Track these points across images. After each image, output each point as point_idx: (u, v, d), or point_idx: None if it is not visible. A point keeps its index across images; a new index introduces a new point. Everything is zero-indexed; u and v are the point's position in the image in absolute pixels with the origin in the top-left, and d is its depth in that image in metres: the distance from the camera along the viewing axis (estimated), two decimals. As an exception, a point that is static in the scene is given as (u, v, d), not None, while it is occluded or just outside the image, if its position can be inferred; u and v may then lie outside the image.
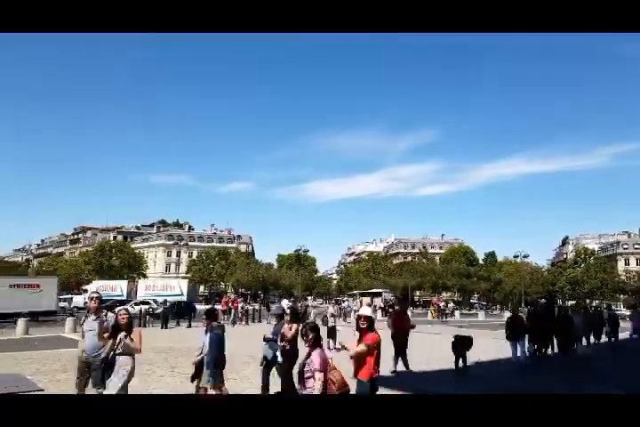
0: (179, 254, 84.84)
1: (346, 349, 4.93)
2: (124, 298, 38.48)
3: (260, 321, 27.83)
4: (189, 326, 23.43)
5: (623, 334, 19.79)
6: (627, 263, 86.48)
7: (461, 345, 10.43)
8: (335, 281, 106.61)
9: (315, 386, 3.97)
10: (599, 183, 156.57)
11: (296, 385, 4.44)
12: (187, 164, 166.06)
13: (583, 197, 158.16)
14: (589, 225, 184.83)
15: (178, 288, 42.25)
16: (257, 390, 8.15)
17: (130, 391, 7.92)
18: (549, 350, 12.65)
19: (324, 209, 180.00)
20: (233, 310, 25.94)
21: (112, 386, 5.91)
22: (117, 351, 6.22)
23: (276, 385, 8.73)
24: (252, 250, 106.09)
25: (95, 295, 6.85)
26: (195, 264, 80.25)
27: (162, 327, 22.23)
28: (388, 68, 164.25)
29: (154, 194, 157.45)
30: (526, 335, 11.55)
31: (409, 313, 13.51)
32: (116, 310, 6.83)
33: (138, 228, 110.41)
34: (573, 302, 66.41)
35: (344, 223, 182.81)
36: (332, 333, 14.41)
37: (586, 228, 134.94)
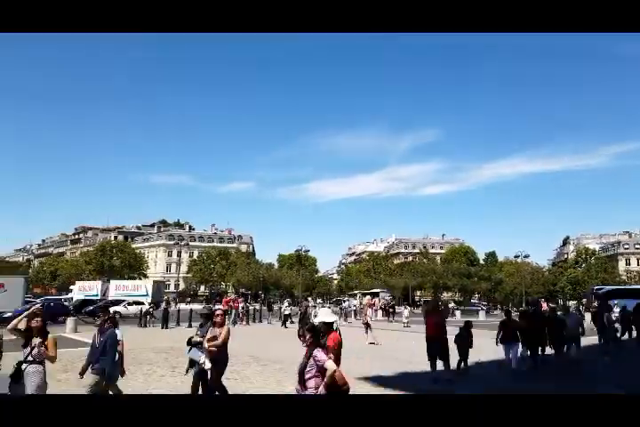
0: (179, 254, 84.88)
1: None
2: (99, 298, 39.14)
3: (260, 321, 27.84)
4: (190, 325, 23.45)
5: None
6: (628, 263, 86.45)
7: (464, 343, 10.25)
8: (336, 281, 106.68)
9: (327, 374, 3.97)
10: (600, 183, 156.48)
11: (296, 386, 4.43)
12: (187, 164, 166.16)
13: (584, 196, 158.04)
14: (590, 225, 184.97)
15: (144, 289, 43.08)
16: (258, 391, 8.17)
17: (130, 391, 7.95)
18: (539, 352, 12.46)
19: (324, 209, 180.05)
20: (234, 311, 25.95)
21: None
22: (28, 359, 5.57)
23: (280, 387, 8.75)
24: (253, 250, 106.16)
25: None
26: (195, 264, 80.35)
27: (162, 327, 22.25)
28: (387, 68, 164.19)
29: (154, 194, 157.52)
30: (520, 340, 10.84)
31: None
32: (31, 310, 6.21)
33: (138, 228, 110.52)
34: (574, 302, 66.42)
35: (345, 223, 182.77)
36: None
37: (587, 228, 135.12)
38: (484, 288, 74.11)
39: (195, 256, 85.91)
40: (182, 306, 39.72)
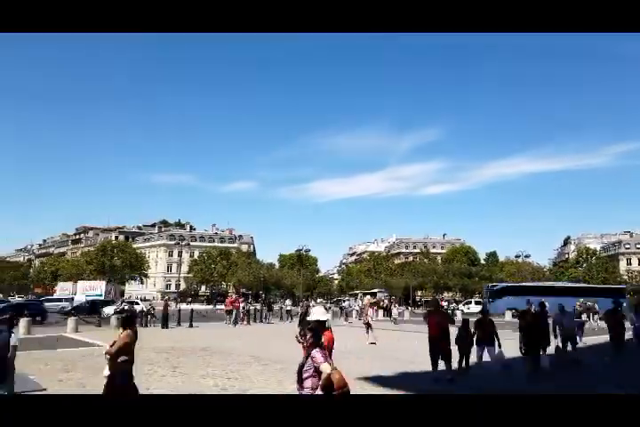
0: (180, 254, 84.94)
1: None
2: (71, 297, 41.23)
3: (261, 321, 27.86)
4: (190, 325, 23.48)
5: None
6: (629, 263, 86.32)
7: (464, 343, 10.15)
8: (337, 281, 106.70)
9: (322, 377, 3.97)
10: (601, 183, 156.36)
11: (296, 385, 4.44)
12: (188, 164, 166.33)
13: (585, 196, 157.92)
14: (591, 225, 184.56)
15: (99, 289, 46.27)
16: (259, 391, 8.17)
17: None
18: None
19: (325, 209, 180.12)
20: (235, 311, 25.97)
21: None
22: None
23: (281, 386, 8.75)
24: (254, 250, 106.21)
25: None
26: (196, 264, 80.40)
27: (162, 327, 22.28)
28: (388, 68, 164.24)
29: (155, 194, 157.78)
30: (496, 340, 10.30)
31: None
32: None
33: (139, 228, 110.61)
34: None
35: (345, 223, 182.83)
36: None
37: (588, 227, 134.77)
38: (484, 288, 74.08)
39: (195, 256, 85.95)
40: (183, 306, 39.88)
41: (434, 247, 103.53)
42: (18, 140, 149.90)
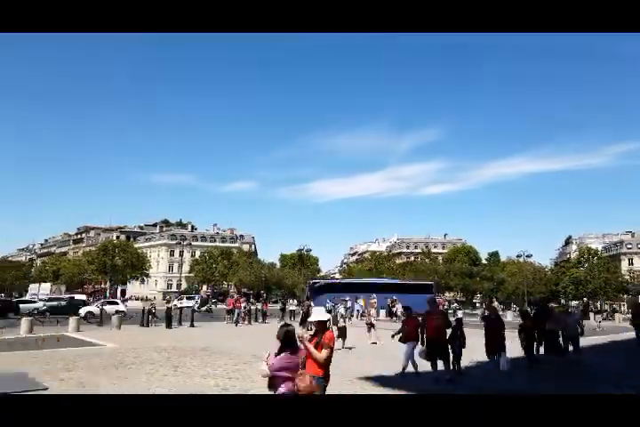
0: (181, 254, 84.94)
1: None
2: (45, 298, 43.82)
3: (262, 321, 27.87)
4: (192, 325, 23.51)
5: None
6: (630, 263, 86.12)
7: (456, 343, 9.93)
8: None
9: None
10: (602, 183, 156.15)
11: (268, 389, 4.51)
12: (189, 164, 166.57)
13: (586, 196, 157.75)
14: (593, 225, 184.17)
15: (47, 290, 52.10)
16: (259, 391, 8.17)
17: (133, 391, 7.97)
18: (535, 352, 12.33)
19: (326, 209, 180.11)
20: (236, 310, 26.00)
21: None
22: None
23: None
24: (255, 250, 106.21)
25: None
26: (197, 264, 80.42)
27: (167, 327, 22.30)
28: (388, 68, 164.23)
29: (156, 194, 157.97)
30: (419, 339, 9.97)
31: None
32: None
33: (141, 227, 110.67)
34: (577, 302, 66.27)
35: (347, 223, 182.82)
36: (342, 333, 14.51)
37: (589, 227, 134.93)
38: (486, 288, 73.97)
39: (197, 256, 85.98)
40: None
41: (435, 247, 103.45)
42: (18, 140, 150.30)
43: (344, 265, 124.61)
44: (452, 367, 9.76)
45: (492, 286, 73.07)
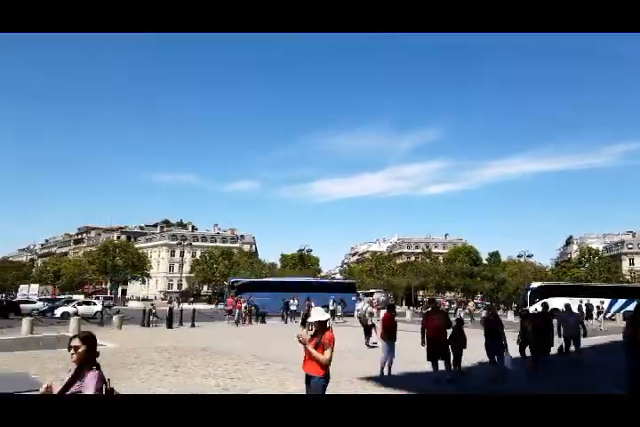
0: (182, 254, 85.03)
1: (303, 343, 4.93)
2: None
3: (263, 321, 27.89)
4: (193, 325, 23.52)
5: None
6: (631, 263, 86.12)
7: (457, 343, 9.84)
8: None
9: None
10: (603, 183, 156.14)
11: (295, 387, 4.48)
12: (189, 164, 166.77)
13: (587, 196, 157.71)
14: (593, 225, 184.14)
15: (36, 290, 54.26)
16: (260, 391, 8.18)
17: (133, 391, 7.97)
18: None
19: (327, 209, 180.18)
20: (237, 311, 26.03)
21: None
22: None
23: (282, 386, 8.76)
24: (255, 250, 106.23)
25: None
26: (198, 264, 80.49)
27: (168, 327, 22.32)
28: (388, 68, 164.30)
29: (156, 194, 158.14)
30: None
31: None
32: None
33: (141, 228, 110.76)
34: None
35: (347, 223, 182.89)
36: (368, 330, 14.61)
37: (590, 227, 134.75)
38: (486, 288, 73.92)
39: (197, 256, 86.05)
40: (185, 306, 39.99)
41: (436, 247, 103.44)
42: (18, 140, 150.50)
43: (345, 265, 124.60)
44: (452, 368, 9.77)
45: (493, 286, 73.01)
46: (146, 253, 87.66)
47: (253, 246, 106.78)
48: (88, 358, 3.51)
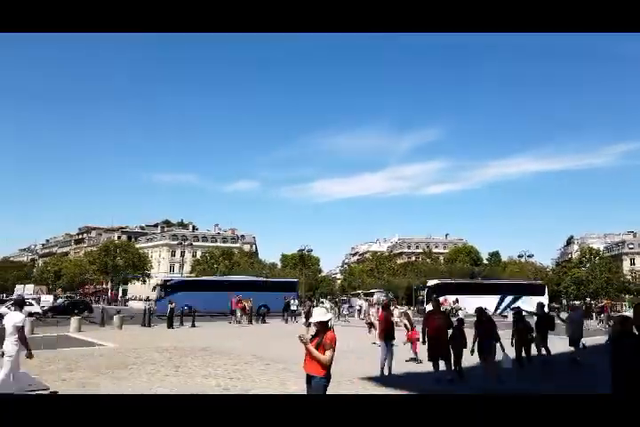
0: (183, 254, 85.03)
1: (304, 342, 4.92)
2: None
3: (263, 321, 27.89)
4: (193, 325, 23.53)
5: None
6: (632, 263, 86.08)
7: (457, 343, 9.64)
8: (339, 281, 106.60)
9: None
10: (604, 183, 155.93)
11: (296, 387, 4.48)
12: (189, 164, 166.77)
13: (588, 196, 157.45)
14: (594, 225, 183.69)
15: (31, 290, 55.07)
16: (261, 391, 8.18)
17: (134, 391, 7.98)
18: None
19: (327, 209, 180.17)
20: (237, 310, 26.07)
21: None
22: None
23: (283, 386, 8.77)
24: (256, 250, 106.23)
25: None
26: (199, 264, 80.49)
27: (168, 327, 22.33)
28: (388, 68, 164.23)
29: (157, 194, 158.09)
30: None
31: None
32: None
33: (142, 228, 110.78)
34: (578, 302, 66.12)
35: (348, 223, 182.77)
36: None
37: (591, 227, 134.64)
38: (487, 288, 73.91)
39: (198, 256, 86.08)
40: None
41: (436, 247, 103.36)
42: (18, 140, 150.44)
43: (345, 265, 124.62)
44: (453, 368, 9.76)
45: (494, 286, 72.97)
46: (146, 253, 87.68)
47: (254, 246, 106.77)
48: None
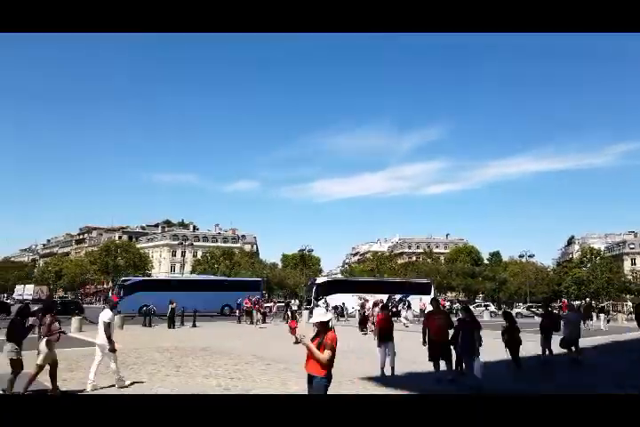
0: (183, 254, 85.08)
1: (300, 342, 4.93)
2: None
3: (264, 322, 27.90)
4: (194, 325, 23.54)
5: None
6: (633, 263, 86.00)
7: (458, 343, 9.33)
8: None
9: None
10: (605, 183, 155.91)
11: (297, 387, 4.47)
12: (189, 164, 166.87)
13: (588, 196, 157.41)
14: (595, 225, 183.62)
15: (31, 290, 56.41)
16: (262, 391, 8.18)
17: (135, 391, 7.99)
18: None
19: (327, 209, 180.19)
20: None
21: None
22: None
23: (284, 386, 8.77)
24: (257, 250, 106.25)
25: None
26: (199, 264, 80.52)
27: (168, 327, 22.34)
28: (388, 68, 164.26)
29: (157, 194, 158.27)
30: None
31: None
32: None
33: (143, 228, 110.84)
34: (579, 302, 66.09)
35: (348, 223, 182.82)
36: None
37: (592, 227, 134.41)
38: (488, 288, 73.86)
39: (199, 256, 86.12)
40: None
41: (437, 247, 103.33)
42: (18, 140, 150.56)
43: (346, 265, 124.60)
44: (454, 368, 9.75)
45: (495, 286, 72.95)
46: (147, 253, 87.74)
47: (254, 246, 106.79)
48: None
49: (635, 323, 19.65)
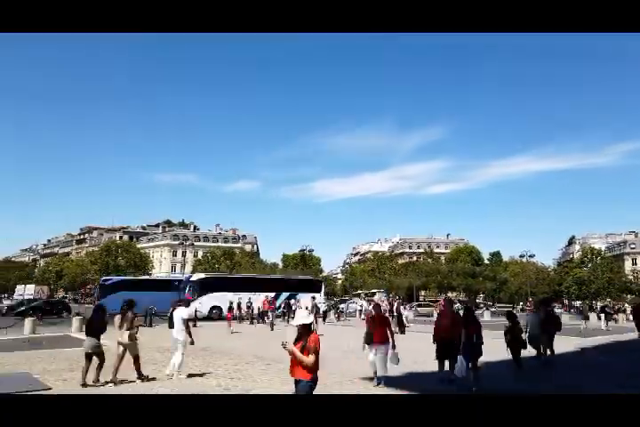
0: (184, 254, 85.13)
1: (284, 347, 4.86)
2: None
3: (263, 322, 27.90)
4: (194, 325, 23.54)
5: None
6: (634, 263, 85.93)
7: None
8: (340, 281, 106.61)
9: None
10: (606, 182, 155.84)
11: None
12: (189, 164, 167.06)
13: (589, 196, 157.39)
14: (596, 225, 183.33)
15: (32, 290, 54.87)
16: (262, 391, 8.18)
17: (135, 391, 7.99)
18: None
19: (328, 208, 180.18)
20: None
21: None
22: None
23: (284, 386, 8.77)
24: (257, 250, 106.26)
25: None
26: (200, 264, 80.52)
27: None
28: (388, 68, 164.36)
29: (158, 194, 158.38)
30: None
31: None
32: None
33: (143, 228, 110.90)
34: (580, 302, 66.08)
35: (349, 223, 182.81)
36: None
37: (592, 227, 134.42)
38: (488, 288, 73.83)
39: (199, 256, 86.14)
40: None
41: (437, 247, 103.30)
42: (18, 140, 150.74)
43: (346, 265, 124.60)
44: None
45: (495, 286, 72.93)
46: (148, 253, 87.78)
47: (255, 246, 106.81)
48: None
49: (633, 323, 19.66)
